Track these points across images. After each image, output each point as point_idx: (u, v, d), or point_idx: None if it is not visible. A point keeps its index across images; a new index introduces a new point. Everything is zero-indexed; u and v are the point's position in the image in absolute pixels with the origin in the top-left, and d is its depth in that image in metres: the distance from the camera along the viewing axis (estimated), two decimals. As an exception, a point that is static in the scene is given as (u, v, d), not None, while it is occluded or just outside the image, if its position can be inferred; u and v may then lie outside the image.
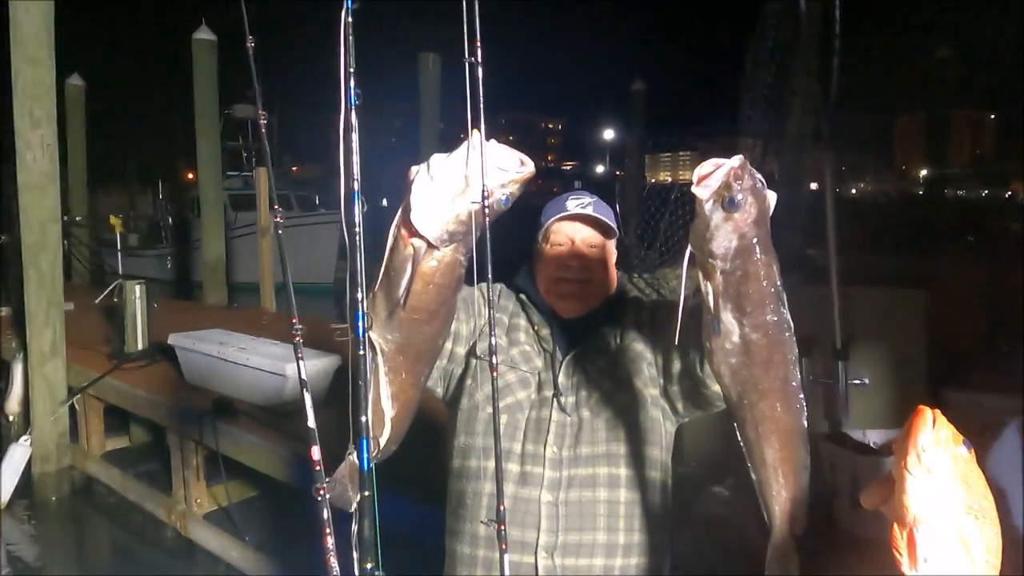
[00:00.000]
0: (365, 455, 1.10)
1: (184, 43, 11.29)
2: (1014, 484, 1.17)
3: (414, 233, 1.23)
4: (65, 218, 12.74)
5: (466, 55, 1.05)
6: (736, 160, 1.11)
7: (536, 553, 1.59)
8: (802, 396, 1.18)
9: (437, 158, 1.23)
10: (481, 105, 1.07)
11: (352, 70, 1.10)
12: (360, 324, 1.11)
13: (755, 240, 1.11)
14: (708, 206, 1.12)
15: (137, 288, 6.35)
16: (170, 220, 20.05)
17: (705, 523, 3.07)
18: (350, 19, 1.09)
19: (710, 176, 1.12)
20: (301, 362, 1.13)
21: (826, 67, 3.40)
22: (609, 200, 1.82)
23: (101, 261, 14.66)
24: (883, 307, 3.53)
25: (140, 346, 6.27)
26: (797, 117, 4.45)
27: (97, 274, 13.82)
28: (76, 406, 6.21)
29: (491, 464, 1.63)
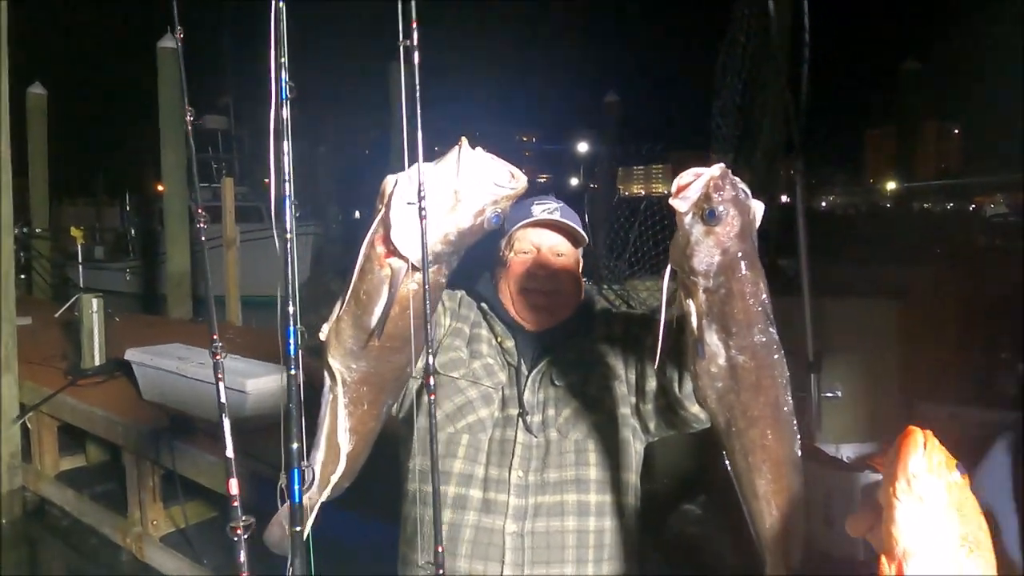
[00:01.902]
0: (296, 487, 0.99)
1: (150, 52, 11.11)
2: (1004, 508, 1.10)
3: (393, 253, 1.11)
4: (25, 230, 12.51)
5: (401, 37, 0.95)
6: (716, 169, 1.03)
7: None
8: (795, 423, 1.09)
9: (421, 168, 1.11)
10: (418, 96, 0.97)
11: (284, 62, 1.00)
12: (292, 341, 1.00)
13: (739, 255, 1.02)
14: (687, 219, 1.04)
15: (95, 302, 6.16)
16: (133, 232, 19.71)
17: (677, 541, 2.99)
18: (281, 4, 0.99)
19: (689, 187, 1.03)
20: (221, 383, 1.01)
21: (796, 76, 3.37)
22: (578, 211, 1.73)
23: (64, 274, 14.33)
24: (855, 319, 3.49)
25: (97, 362, 6.09)
26: (768, 127, 4.43)
27: (59, 288, 13.50)
28: (29, 424, 6.00)
29: (451, 490, 1.53)
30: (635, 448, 1.60)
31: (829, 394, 3.35)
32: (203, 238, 1.12)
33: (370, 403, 1.24)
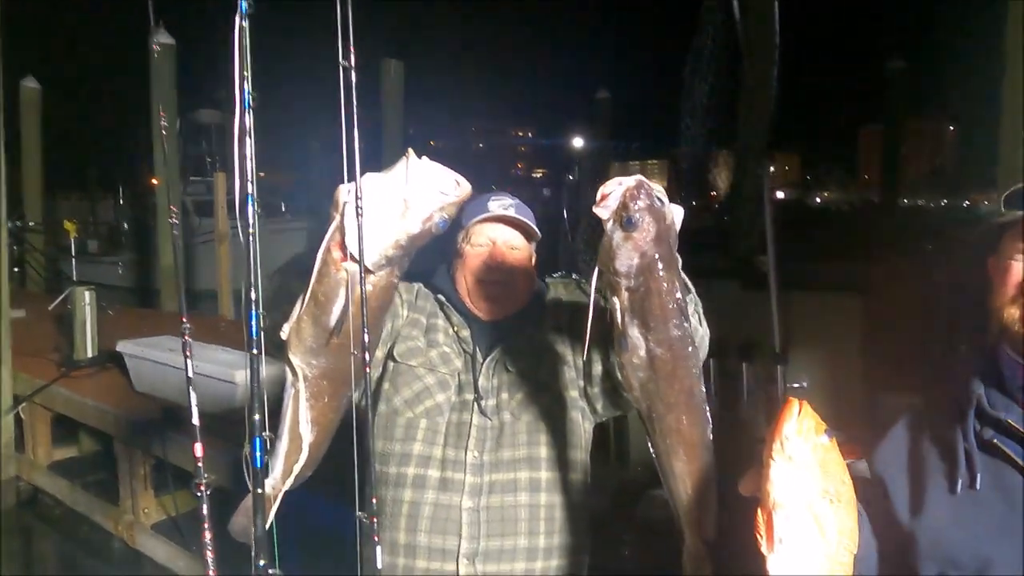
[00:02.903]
0: (258, 452, 1.10)
1: (143, 46, 11.16)
2: (896, 478, 1.22)
3: (349, 258, 1.20)
4: (18, 223, 12.54)
5: (340, 59, 1.05)
6: (632, 180, 1.13)
7: (458, 561, 1.59)
8: (707, 409, 1.20)
9: (371, 178, 1.20)
10: (355, 112, 1.07)
11: (247, 75, 1.10)
12: (253, 324, 1.11)
13: (656, 257, 1.12)
14: (609, 226, 1.14)
15: (87, 294, 6.24)
16: (125, 226, 19.70)
17: (645, 526, 3.10)
18: (245, 24, 1.09)
19: (609, 196, 1.14)
20: (189, 360, 1.12)
21: (767, 76, 3.47)
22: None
23: (57, 268, 14.36)
24: (820, 312, 3.60)
25: (90, 353, 6.16)
26: (747, 128, 4.53)
27: (53, 281, 13.53)
28: (22, 415, 6.08)
29: (410, 471, 1.63)
30: (584, 428, 1.72)
31: (796, 385, 3.47)
32: (175, 232, 1.23)
33: (330, 396, 1.32)
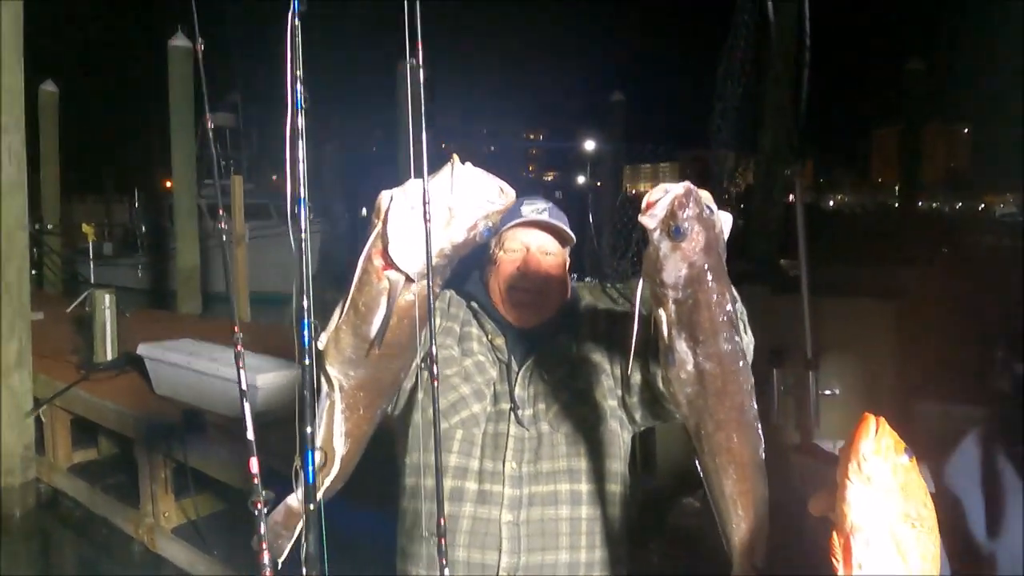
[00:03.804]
0: (310, 467, 1.07)
1: (161, 50, 11.19)
2: (971, 494, 1.17)
3: (391, 266, 1.16)
4: (37, 227, 12.63)
5: (408, 58, 1.02)
6: (680, 187, 1.09)
7: (498, 575, 1.55)
8: (759, 426, 1.16)
9: (415, 185, 1.15)
10: (422, 111, 1.04)
11: (300, 74, 1.07)
12: (306, 333, 1.07)
13: (706, 267, 1.08)
14: (656, 235, 1.10)
15: (107, 297, 6.26)
16: (143, 228, 19.83)
17: (676, 535, 3.05)
18: (297, 22, 1.06)
19: (656, 204, 1.10)
20: (242, 372, 1.09)
21: (797, 79, 3.42)
22: (581, 210, 1.79)
23: (74, 270, 14.46)
24: (853, 318, 3.55)
25: (109, 356, 6.18)
26: (770, 130, 4.48)
27: (70, 283, 13.62)
28: (42, 418, 6.09)
29: (447, 483, 1.58)
30: (623, 438, 1.67)
31: (827, 392, 3.42)
32: (224, 238, 1.19)
33: (366, 408, 1.29)
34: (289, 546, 1.23)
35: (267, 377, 4.46)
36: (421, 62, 1.01)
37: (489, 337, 1.69)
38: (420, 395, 1.65)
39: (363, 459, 1.37)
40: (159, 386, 5.39)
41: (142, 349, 5.50)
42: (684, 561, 2.95)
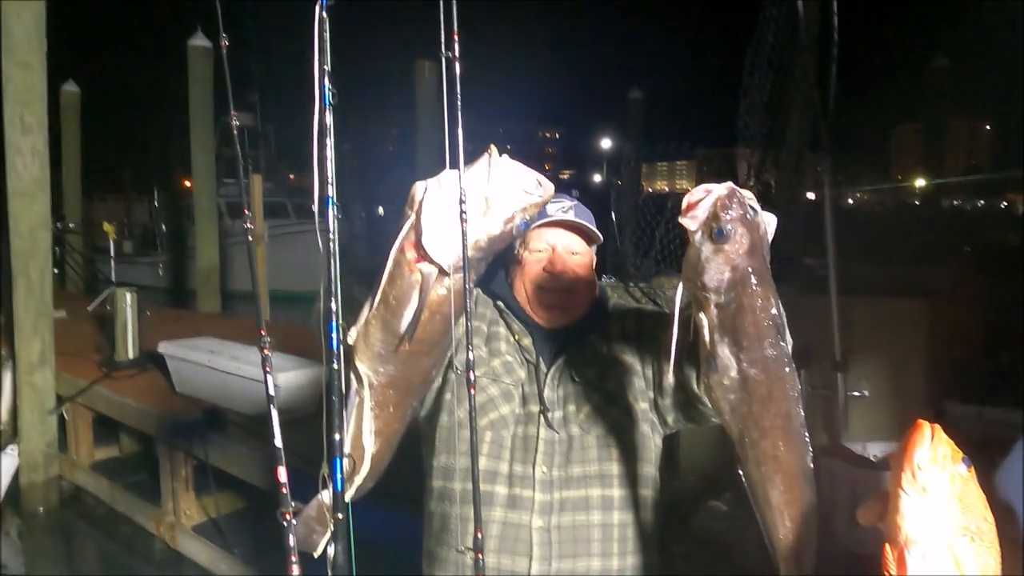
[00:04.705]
0: (339, 475, 1.04)
1: (181, 49, 11.26)
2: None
3: (424, 258, 1.13)
4: (59, 225, 12.75)
5: (443, 50, 0.99)
6: (723, 188, 1.05)
7: None
8: (807, 435, 1.12)
9: (450, 175, 1.12)
10: (459, 104, 1.01)
11: (327, 68, 1.04)
12: (334, 336, 1.04)
13: (749, 271, 1.05)
14: (697, 237, 1.07)
15: (128, 296, 6.28)
16: (164, 227, 20.00)
17: (702, 537, 3.01)
18: (324, 15, 1.03)
19: (698, 205, 1.06)
20: (269, 376, 1.06)
21: (825, 74, 3.36)
22: (604, 209, 1.75)
23: (95, 268, 14.58)
24: (882, 318, 3.48)
25: (131, 355, 6.20)
26: (796, 125, 4.41)
27: (91, 281, 13.74)
28: (65, 415, 6.13)
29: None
30: (654, 442, 1.63)
31: (856, 393, 3.35)
32: (249, 237, 1.17)
33: (396, 406, 1.26)
34: (323, 541, 1.20)
35: (287, 376, 4.46)
36: (457, 54, 0.97)
37: (516, 337, 1.66)
38: (448, 396, 1.62)
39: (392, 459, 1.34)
40: (180, 384, 5.41)
41: (163, 347, 5.52)
42: (709, 565, 2.91)
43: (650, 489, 1.62)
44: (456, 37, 0.99)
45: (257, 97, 21.08)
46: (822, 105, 3.39)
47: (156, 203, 22.01)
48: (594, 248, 1.71)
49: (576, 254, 1.65)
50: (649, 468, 1.63)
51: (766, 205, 1.14)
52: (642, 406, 1.61)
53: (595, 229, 1.67)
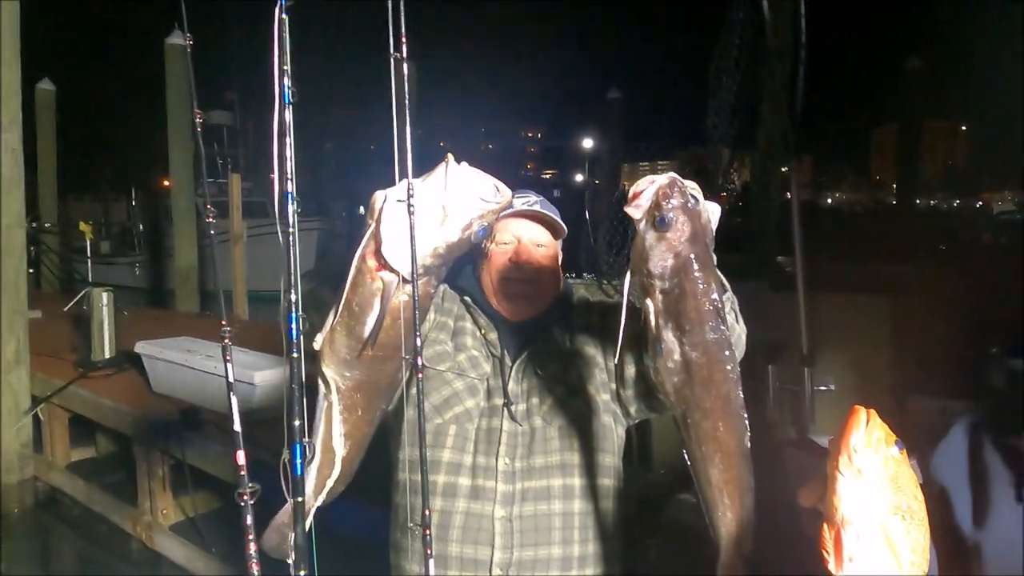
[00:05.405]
0: (298, 459, 1.07)
1: (158, 48, 11.19)
2: (957, 483, 1.17)
3: (385, 267, 1.16)
4: (34, 225, 12.62)
5: (391, 50, 1.02)
6: (664, 178, 1.09)
7: (491, 571, 1.55)
8: (745, 416, 1.16)
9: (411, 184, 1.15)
10: (406, 104, 1.04)
11: (287, 68, 1.07)
12: (294, 327, 1.07)
13: (692, 257, 1.09)
14: (642, 226, 1.10)
15: (104, 296, 6.24)
16: (141, 227, 19.83)
17: (673, 530, 3.05)
18: (284, 16, 1.06)
19: (641, 195, 1.10)
20: (229, 364, 1.09)
21: (792, 76, 3.42)
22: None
23: (72, 269, 14.44)
24: (848, 314, 3.55)
25: (107, 354, 6.16)
26: (765, 126, 4.48)
27: (67, 282, 13.61)
28: (40, 416, 6.08)
29: (440, 479, 1.59)
30: (617, 432, 1.67)
31: (823, 387, 3.42)
32: (211, 232, 1.20)
33: (364, 409, 1.29)
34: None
35: (264, 374, 4.46)
36: (405, 55, 1.01)
37: (482, 331, 1.69)
38: (414, 390, 1.65)
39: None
40: (157, 384, 5.39)
41: (140, 347, 5.50)
42: (682, 557, 2.96)
43: (612, 479, 1.66)
44: (404, 40, 1.02)
45: (236, 96, 20.95)
46: (790, 106, 3.45)
47: (134, 203, 21.80)
48: (560, 242, 1.74)
49: (541, 246, 1.68)
50: (611, 458, 1.66)
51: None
52: (604, 397, 1.65)
53: (560, 222, 1.70)
